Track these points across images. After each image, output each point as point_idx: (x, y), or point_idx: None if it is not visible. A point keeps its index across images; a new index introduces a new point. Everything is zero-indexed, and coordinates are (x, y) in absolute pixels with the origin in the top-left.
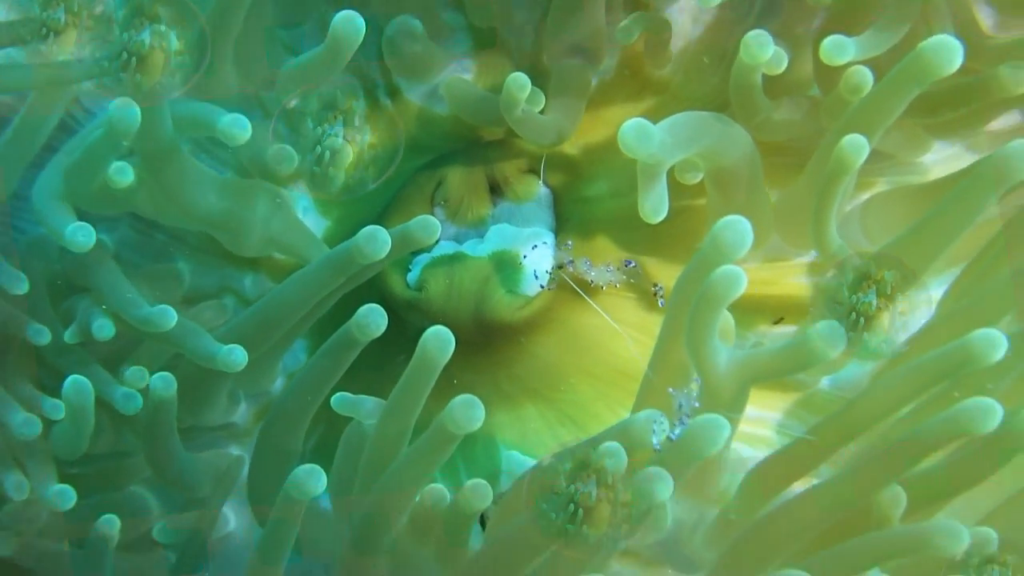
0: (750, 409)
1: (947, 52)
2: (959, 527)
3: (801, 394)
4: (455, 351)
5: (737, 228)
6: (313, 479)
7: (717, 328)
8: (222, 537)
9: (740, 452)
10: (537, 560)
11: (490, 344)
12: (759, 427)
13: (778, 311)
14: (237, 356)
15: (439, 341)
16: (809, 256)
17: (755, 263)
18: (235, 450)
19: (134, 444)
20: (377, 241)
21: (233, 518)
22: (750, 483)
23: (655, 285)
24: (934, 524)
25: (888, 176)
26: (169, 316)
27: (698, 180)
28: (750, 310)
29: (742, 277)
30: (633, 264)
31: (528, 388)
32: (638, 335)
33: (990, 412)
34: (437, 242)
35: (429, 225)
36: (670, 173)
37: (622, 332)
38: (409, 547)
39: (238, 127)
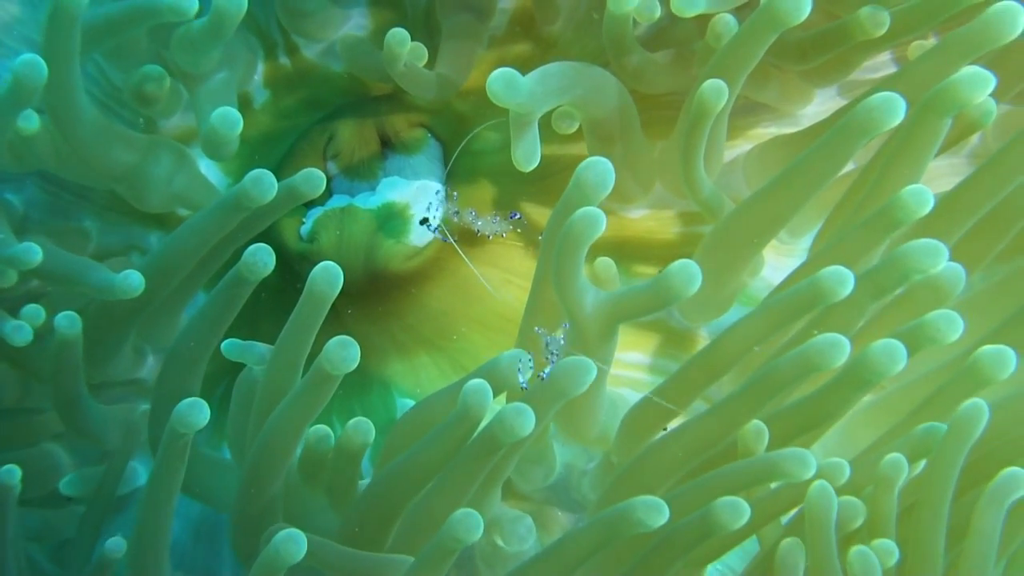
0: (632, 355)
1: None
2: (807, 455)
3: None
4: (349, 302)
5: (598, 168)
6: (196, 411)
7: (581, 268)
8: (131, 492)
9: (625, 396)
10: (419, 494)
11: (383, 295)
12: (639, 372)
13: (665, 260)
14: (133, 280)
15: (327, 275)
16: (692, 204)
17: (641, 212)
18: (144, 405)
19: (44, 399)
20: (263, 184)
21: (144, 473)
22: (627, 426)
23: (541, 235)
24: (783, 452)
25: (772, 127)
26: (34, 252)
27: (575, 129)
28: (638, 258)
29: (601, 218)
30: (518, 215)
31: (421, 338)
32: (525, 283)
33: (838, 347)
34: (331, 195)
35: (313, 178)
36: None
37: (485, 282)
38: (300, 489)
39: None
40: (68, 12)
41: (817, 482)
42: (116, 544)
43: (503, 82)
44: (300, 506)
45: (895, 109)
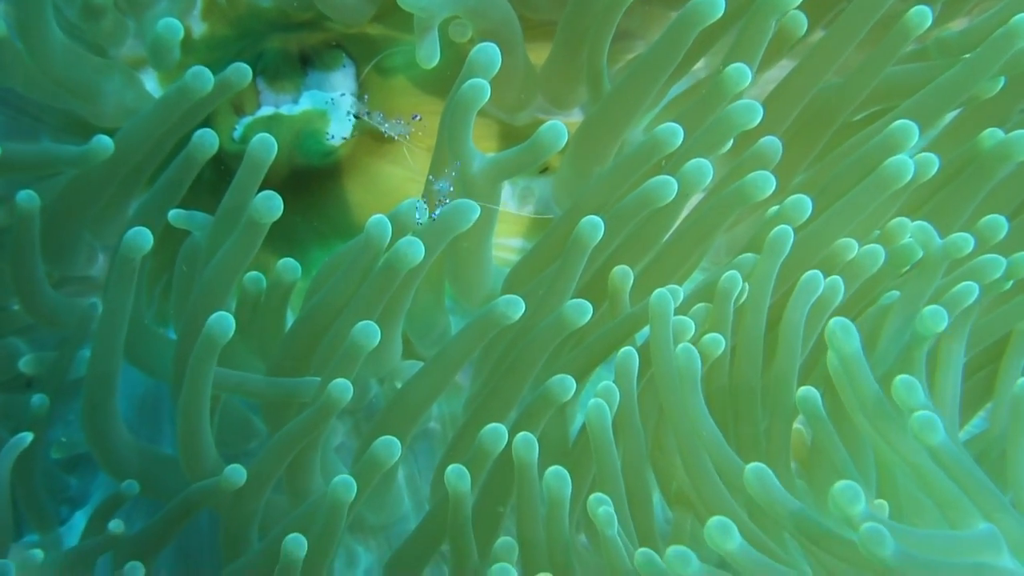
0: (515, 241)
1: None
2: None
3: None
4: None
5: (487, 51)
6: (141, 238)
7: (470, 132)
8: (78, 380)
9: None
10: (339, 323)
11: (305, 189)
12: (519, 253)
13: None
14: (103, 141)
15: (263, 144)
16: (573, 115)
17: (525, 121)
18: (95, 298)
19: (6, 297)
20: (202, 77)
21: None
22: (506, 288)
23: None
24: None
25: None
26: None
27: (467, 38)
28: None
29: (486, 87)
30: (419, 117)
31: (337, 228)
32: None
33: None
34: (259, 107)
35: (242, 71)
36: None
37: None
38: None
39: None
40: None
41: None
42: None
43: None
44: (234, 358)
45: (716, 5)
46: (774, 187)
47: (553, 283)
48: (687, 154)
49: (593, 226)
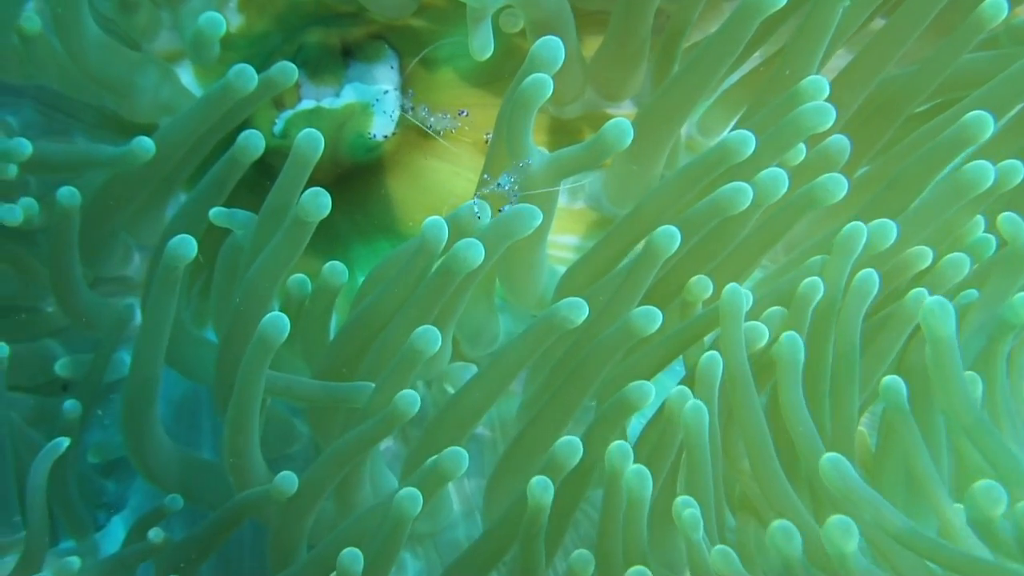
0: (566, 238)
1: None
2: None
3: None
4: None
5: (551, 45)
6: (185, 246)
7: (531, 127)
8: (119, 380)
9: (560, 271)
10: (391, 327)
11: (347, 185)
12: (572, 253)
13: None
14: (144, 144)
15: (310, 139)
16: (623, 107)
17: (574, 114)
18: (132, 299)
19: (43, 299)
20: (245, 75)
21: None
22: (561, 290)
23: (487, 134)
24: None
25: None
26: (24, 146)
27: (519, 28)
28: None
29: (548, 83)
30: (466, 112)
31: (380, 224)
32: (474, 177)
33: (744, 193)
34: (300, 100)
35: (287, 69)
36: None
37: (447, 145)
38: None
39: None
40: None
41: (727, 305)
42: None
43: None
44: (277, 361)
45: None
46: (846, 190)
47: (620, 290)
48: (758, 158)
49: (669, 236)
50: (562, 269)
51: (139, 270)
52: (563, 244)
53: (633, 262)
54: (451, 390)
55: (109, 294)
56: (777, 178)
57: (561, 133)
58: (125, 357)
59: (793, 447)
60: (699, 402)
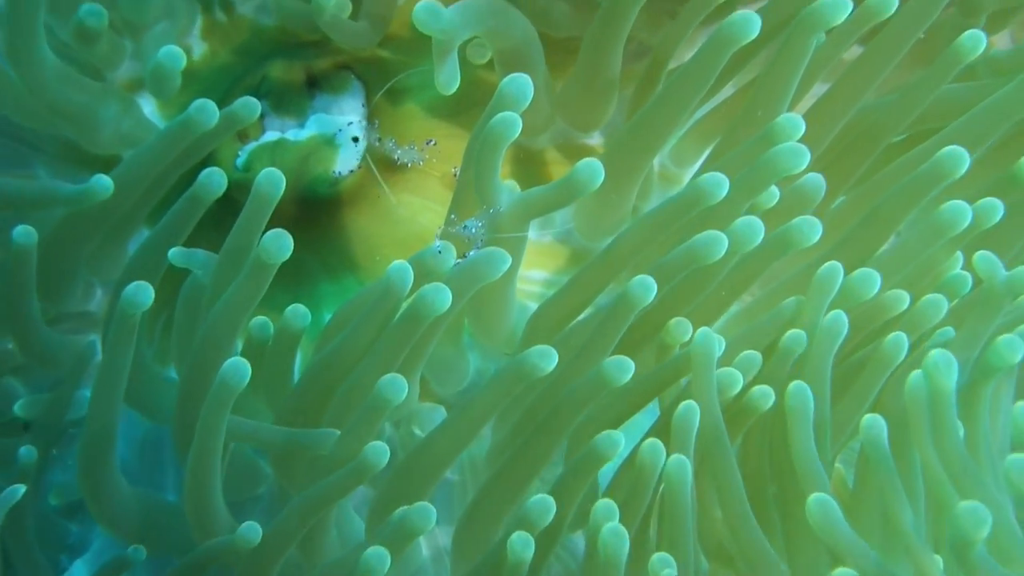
0: (536, 272)
1: None
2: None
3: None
4: (282, 228)
5: (519, 81)
6: (142, 293)
7: (499, 167)
8: (81, 418)
9: (530, 308)
10: (357, 372)
11: (312, 219)
12: (542, 287)
13: None
14: (103, 182)
15: (271, 179)
16: (594, 138)
17: (544, 144)
18: (93, 336)
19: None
20: (206, 111)
21: None
22: (530, 329)
23: (455, 167)
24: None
25: None
26: None
27: (486, 60)
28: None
29: (517, 121)
30: (433, 141)
31: (347, 260)
32: (442, 210)
33: (719, 242)
34: (264, 132)
35: (249, 105)
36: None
37: (391, 195)
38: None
39: None
40: None
41: (699, 352)
42: None
43: (427, 11)
44: (239, 403)
45: (751, 25)
46: (820, 234)
47: (593, 338)
48: (731, 200)
49: (645, 288)
50: (531, 305)
51: (101, 305)
52: (533, 279)
53: (607, 311)
54: (419, 432)
55: (71, 330)
56: (752, 227)
57: (530, 164)
58: (88, 395)
59: (766, 496)
60: (683, 457)
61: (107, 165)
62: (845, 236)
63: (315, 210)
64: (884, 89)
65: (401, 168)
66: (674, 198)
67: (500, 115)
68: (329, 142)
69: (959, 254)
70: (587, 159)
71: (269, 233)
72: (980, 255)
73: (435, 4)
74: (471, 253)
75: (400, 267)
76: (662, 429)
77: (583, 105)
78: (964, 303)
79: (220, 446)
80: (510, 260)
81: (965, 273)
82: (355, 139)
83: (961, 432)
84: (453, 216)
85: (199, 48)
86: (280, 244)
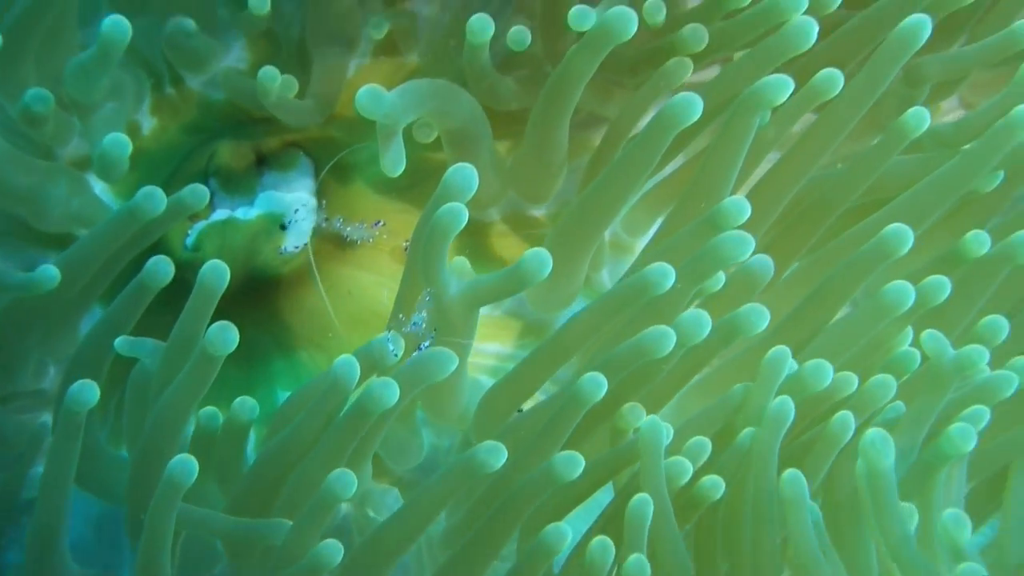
0: (490, 345)
1: (624, 22)
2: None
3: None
4: (233, 306)
5: (464, 172)
6: (87, 391)
7: (445, 258)
8: (31, 499)
9: (483, 382)
10: (307, 463)
11: (263, 298)
12: (496, 360)
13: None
14: (49, 272)
15: (215, 271)
16: (542, 209)
17: (495, 217)
18: (47, 416)
19: None
20: (154, 198)
21: None
22: (483, 407)
23: (406, 241)
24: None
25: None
26: None
27: (432, 139)
28: (491, 259)
29: (463, 212)
30: (381, 223)
31: (300, 336)
32: (394, 285)
33: (667, 337)
34: (213, 210)
35: (198, 192)
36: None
37: (324, 296)
38: None
39: None
40: None
41: (646, 442)
42: None
43: (369, 96)
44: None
45: (693, 107)
46: (767, 322)
47: (543, 433)
48: (677, 292)
49: (596, 385)
50: (485, 379)
51: (55, 382)
52: (486, 352)
53: (558, 406)
54: (373, 515)
55: (24, 409)
56: (699, 320)
57: (480, 235)
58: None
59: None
60: (642, 557)
61: (59, 242)
62: (793, 312)
63: (266, 287)
64: (834, 156)
65: (351, 244)
66: (621, 287)
67: (446, 207)
68: (279, 220)
69: (908, 329)
70: (535, 249)
71: (214, 326)
72: (927, 334)
73: (377, 89)
74: (424, 344)
75: (346, 361)
76: (616, 511)
77: (533, 178)
78: (912, 380)
79: (169, 539)
80: (457, 361)
81: (913, 350)
82: (298, 218)
83: (914, 517)
84: (401, 316)
85: (148, 124)
86: (225, 337)
